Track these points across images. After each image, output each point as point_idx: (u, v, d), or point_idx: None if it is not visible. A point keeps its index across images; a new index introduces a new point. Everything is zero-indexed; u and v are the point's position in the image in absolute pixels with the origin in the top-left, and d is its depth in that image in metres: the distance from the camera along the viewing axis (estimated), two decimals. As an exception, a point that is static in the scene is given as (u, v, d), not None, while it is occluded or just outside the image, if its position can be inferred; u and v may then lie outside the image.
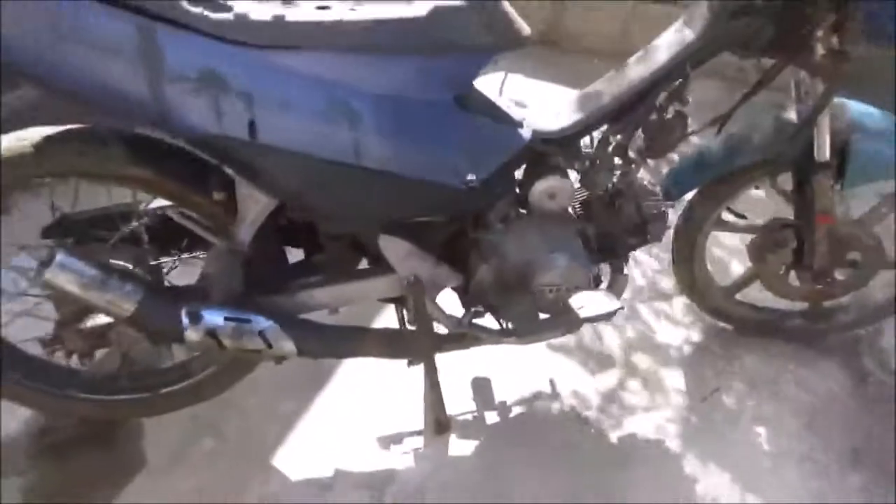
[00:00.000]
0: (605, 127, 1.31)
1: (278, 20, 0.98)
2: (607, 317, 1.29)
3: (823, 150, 1.34)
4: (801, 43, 1.21)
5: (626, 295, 1.85)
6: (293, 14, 1.00)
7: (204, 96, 0.98)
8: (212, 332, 1.15)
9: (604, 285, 1.42)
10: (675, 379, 1.69)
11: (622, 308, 1.30)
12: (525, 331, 1.38)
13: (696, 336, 1.80)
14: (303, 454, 1.50)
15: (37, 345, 1.30)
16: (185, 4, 0.95)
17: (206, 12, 0.96)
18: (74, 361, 1.37)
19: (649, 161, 1.36)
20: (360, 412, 1.57)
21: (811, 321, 1.72)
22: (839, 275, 1.58)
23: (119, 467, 1.48)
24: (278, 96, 1.01)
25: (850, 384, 1.67)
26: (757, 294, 1.76)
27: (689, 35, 1.24)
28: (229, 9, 0.98)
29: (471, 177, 1.18)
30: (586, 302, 1.26)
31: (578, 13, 2.99)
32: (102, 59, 0.93)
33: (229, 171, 1.11)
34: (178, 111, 0.98)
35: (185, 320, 1.13)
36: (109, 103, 0.97)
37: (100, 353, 1.37)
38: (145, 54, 0.94)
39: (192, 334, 1.14)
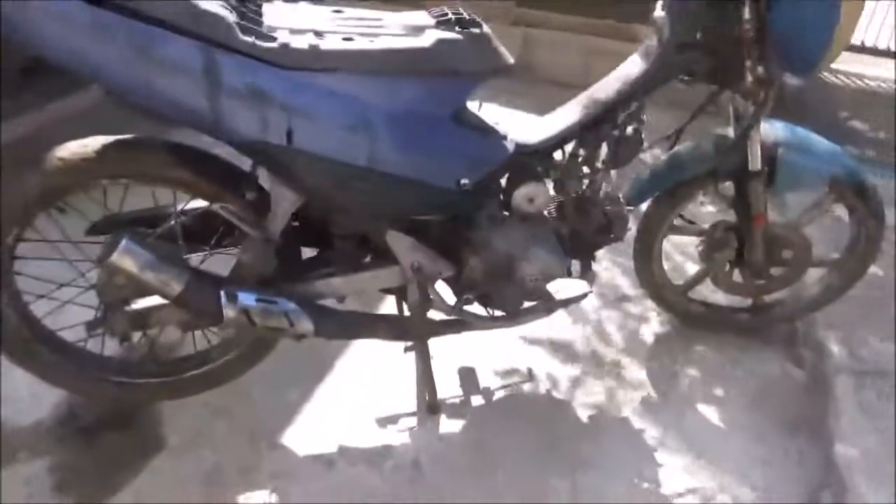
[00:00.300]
0: (574, 141, 1.59)
1: (313, 48, 1.24)
2: (578, 299, 1.55)
3: (756, 161, 1.64)
4: (734, 72, 1.51)
5: (596, 302, 2.14)
6: (325, 44, 1.25)
7: (251, 109, 1.22)
8: (245, 311, 1.37)
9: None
10: (638, 366, 1.95)
11: (591, 292, 1.57)
12: (510, 315, 1.63)
13: (656, 329, 2.07)
14: (308, 434, 1.70)
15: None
16: (239, 35, 1.20)
17: (255, 41, 1.21)
18: (109, 348, 1.58)
19: (612, 171, 1.64)
20: (359, 397, 1.79)
21: (754, 315, 2.01)
22: (775, 272, 1.88)
23: (140, 448, 1.66)
24: (311, 110, 1.25)
25: (788, 369, 1.96)
26: (708, 293, 2.05)
27: (643, 65, 1.53)
28: (274, 39, 1.23)
29: (464, 181, 1.43)
30: (561, 287, 1.53)
31: (546, 49, 3.34)
32: (173, 77, 1.17)
33: (265, 171, 1.35)
34: (230, 121, 1.22)
35: (223, 300, 1.35)
36: (175, 114, 1.21)
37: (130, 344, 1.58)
38: (207, 74, 1.18)
39: (229, 312, 1.35)
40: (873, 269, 2.28)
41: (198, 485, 1.59)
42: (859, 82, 3.23)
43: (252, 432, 1.70)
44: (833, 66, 3.29)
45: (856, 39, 3.07)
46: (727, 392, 1.88)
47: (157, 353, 1.61)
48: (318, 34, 1.27)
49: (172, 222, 1.41)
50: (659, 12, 1.49)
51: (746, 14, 1.41)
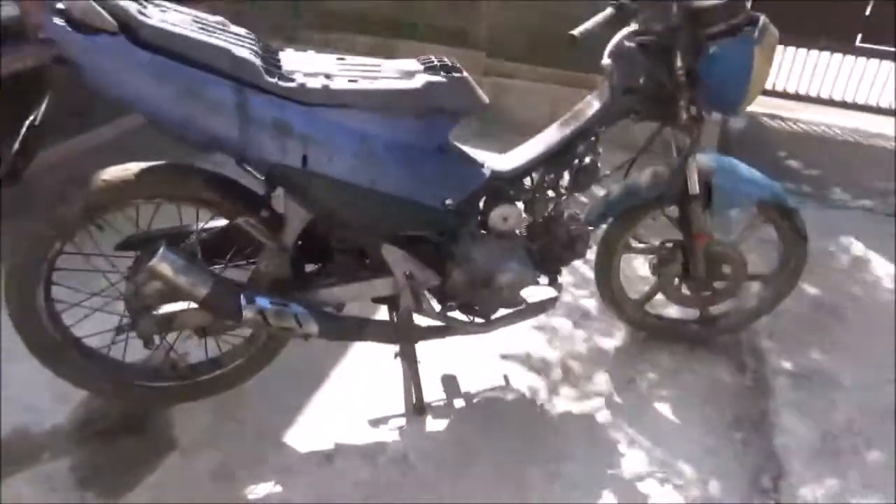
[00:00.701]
0: (541, 170, 1.89)
1: (325, 88, 1.53)
2: (549, 304, 1.83)
3: (694, 186, 1.96)
4: (672, 111, 1.84)
5: (565, 320, 2.42)
6: (334, 84, 1.54)
7: (274, 138, 1.49)
8: (261, 312, 1.61)
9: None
10: (601, 373, 2.21)
11: (558, 297, 1.85)
12: (488, 321, 1.90)
13: (617, 342, 2.35)
14: (308, 434, 1.92)
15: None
16: (265, 76, 1.48)
17: (278, 81, 1.49)
18: (130, 355, 1.80)
19: (575, 195, 1.95)
20: (353, 400, 2.02)
21: (703, 326, 2.31)
22: (718, 285, 2.18)
23: (154, 448, 1.86)
24: (323, 138, 1.53)
25: (733, 373, 2.25)
26: (662, 307, 2.35)
27: (597, 105, 1.85)
28: (293, 80, 1.51)
29: (448, 201, 1.72)
30: (532, 293, 1.80)
31: (515, 97, 3.70)
32: (211, 111, 1.44)
33: (281, 191, 1.61)
34: (256, 147, 1.49)
35: (243, 302, 1.59)
36: (210, 142, 1.47)
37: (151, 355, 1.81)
38: (239, 109, 1.45)
39: (248, 313, 1.60)
40: (810, 289, 2.63)
41: (208, 480, 1.79)
42: (794, 126, 3.65)
43: (257, 432, 1.92)
44: (772, 111, 3.73)
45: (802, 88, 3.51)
46: (680, 393, 2.15)
47: (173, 361, 1.83)
48: (328, 76, 1.56)
49: (194, 238, 1.67)
50: (606, 59, 1.82)
51: (678, 63, 1.75)
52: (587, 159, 1.89)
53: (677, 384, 2.19)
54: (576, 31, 1.66)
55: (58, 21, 1.36)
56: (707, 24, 1.73)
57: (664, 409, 2.10)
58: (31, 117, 1.48)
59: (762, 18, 1.74)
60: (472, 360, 2.19)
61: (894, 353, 2.34)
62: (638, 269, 2.62)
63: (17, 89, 2.07)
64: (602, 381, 2.19)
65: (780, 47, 3.56)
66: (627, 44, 1.80)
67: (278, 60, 1.59)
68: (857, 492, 1.87)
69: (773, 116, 3.70)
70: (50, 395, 1.93)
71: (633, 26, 1.80)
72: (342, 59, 1.69)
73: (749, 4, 3.31)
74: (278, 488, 1.78)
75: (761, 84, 1.80)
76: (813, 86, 3.68)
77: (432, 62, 1.69)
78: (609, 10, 1.75)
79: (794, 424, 2.07)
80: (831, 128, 3.63)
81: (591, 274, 2.27)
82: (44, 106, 1.47)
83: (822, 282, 2.69)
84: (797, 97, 3.74)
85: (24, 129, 1.47)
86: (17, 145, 1.46)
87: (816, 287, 2.66)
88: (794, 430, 2.05)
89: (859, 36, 3.54)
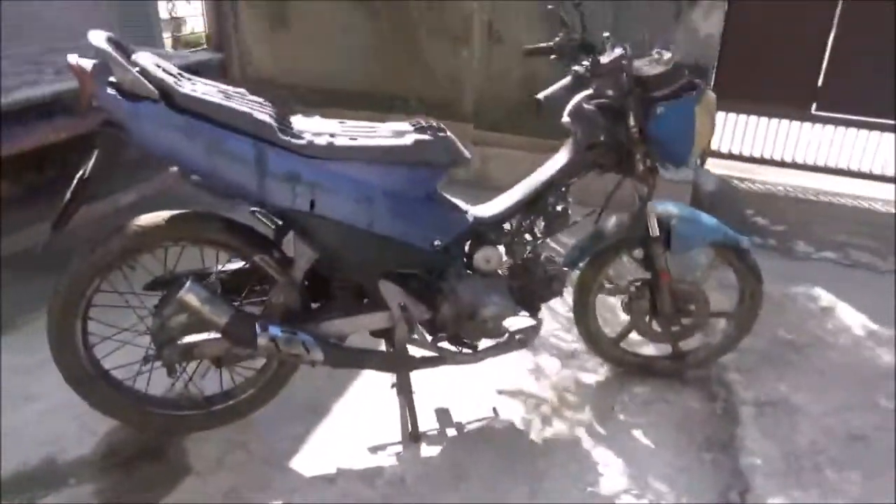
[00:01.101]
0: (518, 216, 2.17)
1: (329, 144, 1.83)
2: (531, 332, 2.08)
3: (654, 229, 2.24)
4: (631, 164, 2.14)
5: (549, 359, 2.64)
6: (337, 142, 1.84)
7: (287, 186, 1.78)
8: (273, 340, 1.85)
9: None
10: (584, 404, 2.43)
11: (539, 325, 2.10)
12: (475, 352, 2.14)
13: (598, 377, 2.57)
14: (312, 459, 2.12)
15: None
16: (280, 135, 1.78)
17: (290, 139, 1.79)
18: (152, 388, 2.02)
19: (549, 239, 2.22)
20: (353, 429, 2.23)
21: (674, 361, 2.54)
22: (685, 321, 2.43)
23: (170, 474, 2.06)
24: (328, 186, 1.82)
25: (703, 402, 2.47)
26: (639, 345, 2.59)
27: (564, 160, 2.15)
28: (302, 138, 1.81)
29: (437, 242, 2.00)
30: (513, 322, 2.05)
31: (500, 163, 4.06)
32: (234, 164, 1.73)
33: (291, 234, 1.88)
34: (271, 195, 1.78)
35: (258, 330, 1.84)
36: (232, 191, 1.76)
37: (170, 387, 2.03)
38: (258, 163, 1.74)
39: (261, 340, 1.84)
40: (775, 329, 2.87)
41: (220, 502, 1.98)
42: (761, 186, 3.98)
43: (265, 458, 2.12)
44: (740, 174, 4.07)
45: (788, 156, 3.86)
46: (655, 420, 2.36)
47: (190, 393, 2.06)
48: (332, 135, 1.87)
49: (214, 277, 1.93)
50: (566, 118, 2.14)
51: (631, 122, 2.06)
52: (559, 207, 2.17)
53: (652, 412, 2.40)
54: (540, 95, 1.97)
55: (109, 91, 1.66)
56: (654, 88, 2.05)
57: (640, 434, 2.31)
58: (81, 172, 1.76)
59: (701, 84, 2.07)
60: (465, 393, 2.41)
61: (855, 382, 2.57)
62: (613, 308, 2.87)
63: (70, 150, 2.42)
64: (584, 411, 2.40)
65: (744, 116, 3.98)
66: (586, 106, 2.11)
67: (290, 122, 1.89)
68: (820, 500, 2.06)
69: (741, 179, 4.04)
70: (76, 426, 2.14)
71: (590, 90, 2.12)
72: (343, 122, 1.99)
73: (713, 76, 3.74)
74: (285, 508, 1.97)
75: (705, 140, 2.11)
76: (777, 150, 4.03)
77: (421, 124, 1.99)
78: (569, 78, 2.07)
79: (760, 446, 2.27)
80: (795, 188, 3.96)
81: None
82: (92, 162, 1.76)
83: (787, 324, 2.94)
84: (762, 161, 4.09)
85: (74, 182, 1.76)
86: (68, 195, 1.74)
87: (782, 328, 2.90)
88: (759, 451, 2.25)
89: (814, 105, 3.91)
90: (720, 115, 3.92)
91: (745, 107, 3.99)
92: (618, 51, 2.03)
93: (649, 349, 2.64)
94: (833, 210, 3.80)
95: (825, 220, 3.76)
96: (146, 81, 1.67)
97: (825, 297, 3.18)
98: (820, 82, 3.81)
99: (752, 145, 4.08)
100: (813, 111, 3.90)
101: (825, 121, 3.92)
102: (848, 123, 3.86)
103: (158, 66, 1.74)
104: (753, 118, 4.04)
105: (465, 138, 3.96)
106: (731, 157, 4.12)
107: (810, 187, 3.97)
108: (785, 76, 3.81)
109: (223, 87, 1.87)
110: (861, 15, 3.59)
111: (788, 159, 4.04)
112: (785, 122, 3.99)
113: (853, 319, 3.03)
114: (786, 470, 2.19)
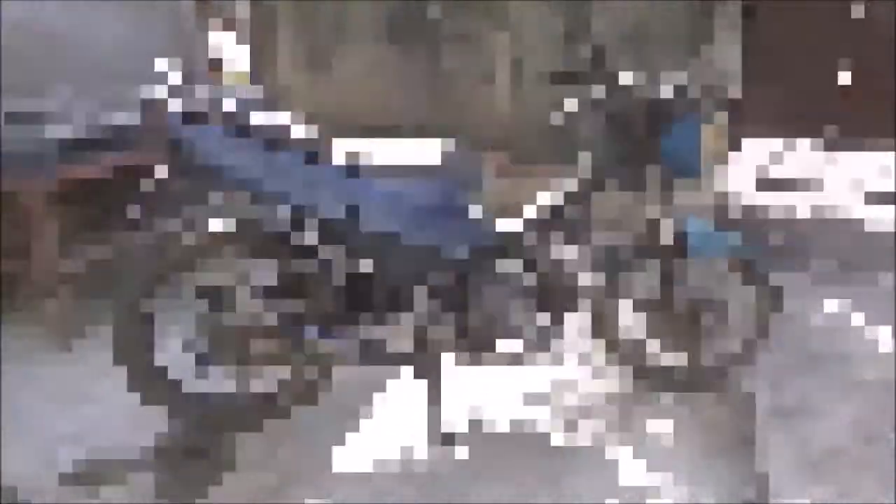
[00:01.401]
0: (541, 228, 2.34)
1: (368, 162, 2.04)
2: (553, 337, 2.23)
3: (669, 241, 2.39)
4: (645, 180, 2.31)
5: (572, 367, 2.78)
6: (376, 160, 2.05)
7: (330, 198, 1.99)
8: (315, 341, 2.04)
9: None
10: (606, 410, 2.56)
11: (561, 331, 2.25)
12: (499, 356, 2.30)
13: (620, 383, 2.70)
14: (350, 457, 2.28)
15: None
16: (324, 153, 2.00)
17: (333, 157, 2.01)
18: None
19: (569, 252, 2.39)
20: (387, 430, 2.39)
21: (693, 369, 2.66)
22: (701, 330, 2.56)
23: (217, 468, 2.23)
24: (367, 199, 2.02)
25: (724, 408, 2.58)
26: (658, 352, 2.72)
27: (583, 175, 2.33)
28: (345, 156, 2.03)
29: (462, 252, 2.18)
30: (536, 329, 2.21)
31: (524, 182, 4.27)
32: (282, 177, 1.95)
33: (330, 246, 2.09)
34: (316, 205, 1.99)
35: (304, 330, 2.03)
36: (280, 201, 1.97)
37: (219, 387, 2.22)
38: (304, 176, 1.96)
39: (307, 339, 2.03)
40: (793, 339, 2.98)
41: (264, 495, 2.15)
42: (777, 208, 4.12)
43: (305, 457, 2.28)
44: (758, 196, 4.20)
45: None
46: (676, 426, 2.48)
47: (240, 391, 2.25)
48: (371, 154, 2.08)
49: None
50: (584, 136, 2.32)
51: (646, 141, 2.24)
52: (579, 220, 2.34)
53: (673, 418, 2.52)
54: (557, 122, 2.17)
55: (177, 118, 1.90)
56: (665, 112, 2.24)
57: (662, 438, 2.42)
58: (143, 191, 1.99)
59: (706, 104, 2.24)
60: (493, 395, 2.55)
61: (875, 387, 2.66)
62: (634, 317, 3.00)
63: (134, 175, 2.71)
64: (607, 416, 2.53)
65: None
66: (604, 126, 2.30)
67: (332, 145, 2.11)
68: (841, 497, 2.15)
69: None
70: (132, 425, 2.34)
71: (606, 111, 2.31)
72: (380, 143, 2.20)
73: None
74: (328, 500, 2.13)
75: (713, 154, 2.28)
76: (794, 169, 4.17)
77: (451, 147, 2.20)
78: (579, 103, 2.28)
79: (774, 447, 2.37)
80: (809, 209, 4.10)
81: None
82: (153, 182, 1.98)
83: (806, 335, 3.04)
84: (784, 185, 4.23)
85: (138, 199, 1.99)
86: (137, 208, 1.97)
87: (800, 339, 3.01)
88: (773, 452, 2.35)
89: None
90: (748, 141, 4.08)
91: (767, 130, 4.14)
92: None
93: (669, 357, 2.75)
94: (853, 225, 3.92)
95: (845, 236, 3.88)
96: (214, 109, 1.91)
97: (844, 310, 3.28)
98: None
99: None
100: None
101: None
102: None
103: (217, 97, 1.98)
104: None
105: (493, 163, 4.18)
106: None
107: (828, 204, 4.09)
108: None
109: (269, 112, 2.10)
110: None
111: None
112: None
113: (873, 332, 3.12)
114: (805, 468, 2.28)
